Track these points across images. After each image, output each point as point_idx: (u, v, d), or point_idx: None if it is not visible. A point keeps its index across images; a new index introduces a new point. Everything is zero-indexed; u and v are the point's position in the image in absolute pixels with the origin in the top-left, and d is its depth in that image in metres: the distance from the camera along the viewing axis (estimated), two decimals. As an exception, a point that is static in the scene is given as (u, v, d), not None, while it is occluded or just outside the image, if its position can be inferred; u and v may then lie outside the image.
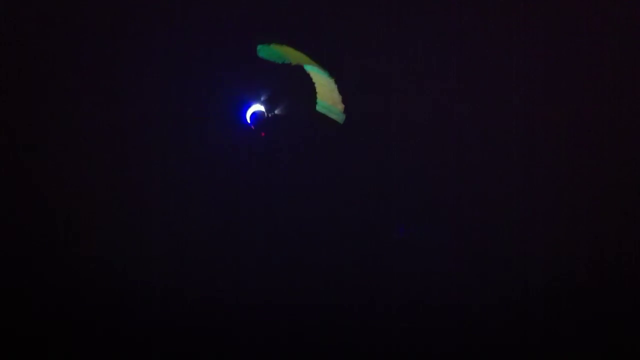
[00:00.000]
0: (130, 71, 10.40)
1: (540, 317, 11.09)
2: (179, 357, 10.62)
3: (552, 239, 11.15)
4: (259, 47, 9.22)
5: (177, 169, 10.39)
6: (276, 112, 9.54)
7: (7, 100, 10.82)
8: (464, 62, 10.94)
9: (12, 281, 10.76)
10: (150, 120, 10.41)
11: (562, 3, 11.22)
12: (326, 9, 10.52)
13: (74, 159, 10.66)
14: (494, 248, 11.13)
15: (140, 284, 10.73)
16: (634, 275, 11.06)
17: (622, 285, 11.04)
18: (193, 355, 10.62)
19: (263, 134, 9.52)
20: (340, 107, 9.42)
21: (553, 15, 11.24)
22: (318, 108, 9.51)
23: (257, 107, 9.43)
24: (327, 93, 9.38)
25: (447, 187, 11.06)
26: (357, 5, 10.57)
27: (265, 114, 9.48)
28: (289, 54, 9.30)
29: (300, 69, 9.35)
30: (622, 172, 11.15)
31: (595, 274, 11.11)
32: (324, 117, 9.61)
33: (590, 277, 11.11)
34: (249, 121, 9.45)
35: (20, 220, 10.79)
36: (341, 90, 9.45)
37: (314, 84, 9.42)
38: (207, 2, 10.18)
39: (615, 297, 11.02)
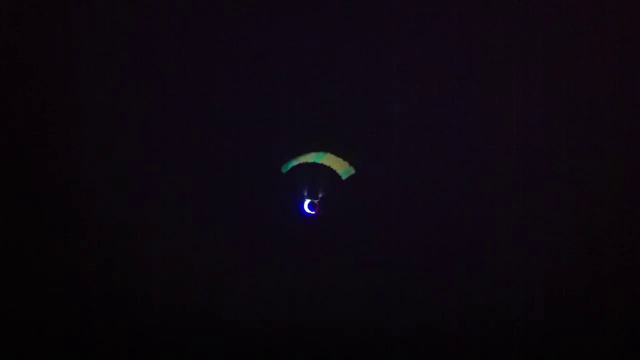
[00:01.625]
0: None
1: (540, 317, 11.17)
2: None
3: (552, 240, 11.36)
4: (282, 167, 12.23)
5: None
6: (320, 195, 12.53)
7: (8, 100, 11.14)
8: (464, 63, 11.78)
9: (11, 281, 10.79)
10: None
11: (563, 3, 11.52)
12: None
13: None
14: (493, 248, 11.46)
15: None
16: (634, 275, 11.11)
17: (622, 285, 11.09)
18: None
19: (322, 212, 12.61)
20: (346, 164, 12.37)
21: (553, 16, 11.53)
22: (344, 176, 12.29)
23: (307, 200, 12.52)
24: (337, 164, 12.24)
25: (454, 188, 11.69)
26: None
27: (314, 201, 12.53)
28: (295, 159, 12.13)
29: (309, 164, 12.15)
30: (622, 172, 11.24)
31: (595, 274, 11.23)
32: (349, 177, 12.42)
33: (591, 277, 11.20)
34: (308, 211, 12.56)
35: (19, 220, 11.06)
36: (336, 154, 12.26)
37: (328, 167, 12.23)
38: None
39: (616, 297, 11.10)
